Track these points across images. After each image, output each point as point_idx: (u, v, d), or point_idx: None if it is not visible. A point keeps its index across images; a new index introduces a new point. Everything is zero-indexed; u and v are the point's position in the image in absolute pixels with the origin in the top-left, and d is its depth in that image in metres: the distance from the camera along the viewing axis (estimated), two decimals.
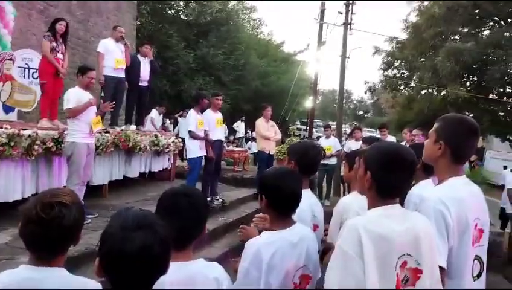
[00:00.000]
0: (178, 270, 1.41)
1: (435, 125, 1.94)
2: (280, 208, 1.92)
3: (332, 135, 9.78)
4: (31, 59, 7.35)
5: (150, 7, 17.44)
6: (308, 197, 2.28)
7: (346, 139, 11.48)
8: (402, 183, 1.60)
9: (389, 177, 1.55)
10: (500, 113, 17.74)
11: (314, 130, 19.09)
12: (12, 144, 4.11)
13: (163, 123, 12.29)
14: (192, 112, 6.39)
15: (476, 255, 1.84)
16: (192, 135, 6.20)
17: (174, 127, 13.52)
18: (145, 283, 1.16)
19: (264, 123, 7.85)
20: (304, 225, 2.05)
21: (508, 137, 17.98)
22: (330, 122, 20.89)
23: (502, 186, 7.11)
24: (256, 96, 20.65)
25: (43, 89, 5.80)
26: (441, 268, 1.66)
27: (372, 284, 1.40)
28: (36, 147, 4.37)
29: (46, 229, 1.36)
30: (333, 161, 8.67)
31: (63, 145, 4.71)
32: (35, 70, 7.13)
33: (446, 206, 1.74)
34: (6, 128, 4.14)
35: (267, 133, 7.77)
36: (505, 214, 7.35)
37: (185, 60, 17.39)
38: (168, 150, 7.69)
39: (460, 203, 1.78)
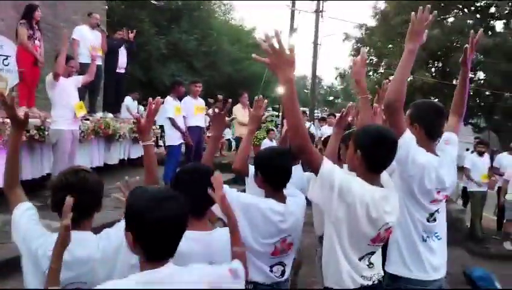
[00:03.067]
0: (203, 239, 1.69)
1: (408, 112, 2.27)
2: (273, 183, 2.16)
3: (306, 120, 10.14)
4: (1, 46, 7.17)
5: None
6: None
7: (319, 124, 11.83)
8: (387, 160, 1.88)
9: (376, 155, 1.84)
10: None
11: None
12: None
13: (138, 111, 12.20)
14: (168, 99, 6.44)
15: None
16: (173, 123, 6.30)
17: None
18: (172, 247, 1.35)
19: (241, 110, 8.05)
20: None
21: (469, 121, 18.89)
22: (302, 108, 21.24)
23: (464, 168, 7.62)
24: (230, 82, 20.71)
25: (21, 77, 5.75)
26: None
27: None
28: None
29: (74, 193, 1.52)
30: None
31: (46, 133, 4.75)
32: (5, 57, 6.98)
33: None
34: None
35: (244, 120, 7.94)
36: (466, 193, 7.89)
37: (157, 45, 17.21)
38: None
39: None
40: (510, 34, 15.68)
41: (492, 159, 8.06)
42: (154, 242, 1.31)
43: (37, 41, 5.73)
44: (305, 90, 41.67)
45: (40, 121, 4.84)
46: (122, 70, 7.32)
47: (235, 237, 1.67)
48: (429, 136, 2.21)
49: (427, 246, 2.19)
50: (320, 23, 15.52)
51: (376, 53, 21.50)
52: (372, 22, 21.20)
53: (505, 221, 7.23)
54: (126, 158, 7.34)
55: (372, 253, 1.93)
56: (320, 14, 15.44)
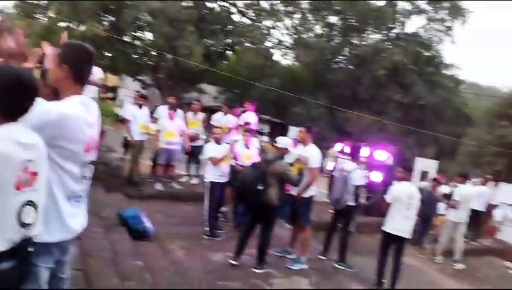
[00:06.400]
0: None
1: (58, 51, 2.15)
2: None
3: None
4: None
5: None
6: None
7: None
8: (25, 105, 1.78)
9: (13, 100, 1.73)
10: (134, 56, 19.64)
11: None
12: None
13: None
14: None
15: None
16: None
17: None
18: None
19: None
20: None
21: (138, 77, 20.22)
22: None
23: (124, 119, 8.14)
24: None
25: None
26: None
27: None
28: None
29: None
30: None
31: None
32: None
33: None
34: None
35: None
36: (127, 142, 8.41)
37: None
38: None
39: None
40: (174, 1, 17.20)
41: (152, 112, 8.87)
42: None
43: None
44: None
45: None
46: None
47: None
48: (78, 80, 2.16)
49: None
50: None
51: None
52: None
53: (157, 165, 8.31)
54: None
55: (29, 203, 1.77)
56: None
